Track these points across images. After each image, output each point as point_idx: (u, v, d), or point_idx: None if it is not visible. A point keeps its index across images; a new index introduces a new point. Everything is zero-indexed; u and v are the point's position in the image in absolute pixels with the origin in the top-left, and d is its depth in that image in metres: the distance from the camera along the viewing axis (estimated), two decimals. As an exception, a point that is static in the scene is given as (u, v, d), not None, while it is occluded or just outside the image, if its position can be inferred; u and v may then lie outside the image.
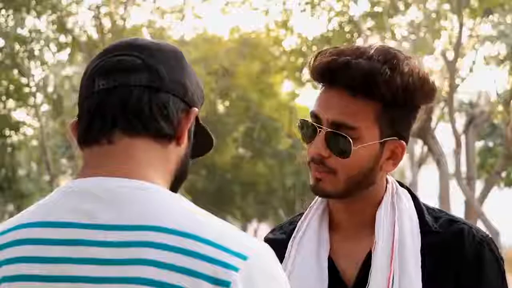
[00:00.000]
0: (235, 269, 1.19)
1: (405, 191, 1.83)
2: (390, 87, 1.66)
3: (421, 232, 1.76)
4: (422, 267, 1.72)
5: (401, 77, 1.67)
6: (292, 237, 1.82)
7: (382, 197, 1.78)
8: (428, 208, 1.82)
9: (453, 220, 1.79)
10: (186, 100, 1.33)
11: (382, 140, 1.71)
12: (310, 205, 1.86)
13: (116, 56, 1.31)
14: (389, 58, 1.68)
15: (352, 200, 1.76)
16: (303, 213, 1.87)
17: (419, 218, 1.78)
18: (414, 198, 1.82)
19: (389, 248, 1.73)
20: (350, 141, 1.68)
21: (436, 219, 1.79)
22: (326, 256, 1.78)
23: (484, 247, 1.75)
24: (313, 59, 1.74)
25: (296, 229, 1.83)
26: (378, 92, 1.67)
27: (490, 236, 1.80)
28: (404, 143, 1.74)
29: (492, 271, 1.76)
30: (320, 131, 1.70)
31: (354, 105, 1.68)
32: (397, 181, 1.85)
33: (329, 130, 1.69)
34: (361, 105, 1.68)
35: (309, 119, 1.74)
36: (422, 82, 1.69)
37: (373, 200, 1.78)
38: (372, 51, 1.69)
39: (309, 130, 1.73)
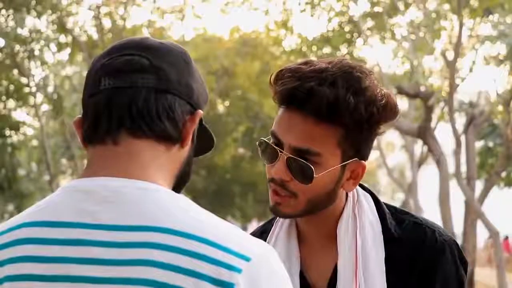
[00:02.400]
0: (238, 270, 1.19)
1: (368, 195, 1.81)
2: (354, 116, 1.65)
3: (384, 240, 1.75)
4: (387, 275, 1.72)
5: (365, 105, 1.66)
6: None
7: (343, 209, 1.77)
8: (392, 211, 1.81)
9: (416, 224, 1.78)
10: (192, 102, 1.33)
11: (343, 163, 1.70)
12: (276, 220, 1.85)
13: (124, 56, 1.31)
14: (352, 83, 1.66)
15: (313, 216, 1.75)
16: (274, 220, 1.87)
17: (382, 225, 1.77)
18: (377, 203, 1.81)
19: (353, 262, 1.72)
20: (312, 168, 1.67)
21: (399, 223, 1.78)
22: (297, 275, 1.77)
23: (444, 250, 1.74)
24: (273, 81, 1.72)
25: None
26: (342, 121, 1.66)
27: (453, 239, 1.78)
28: (365, 162, 1.74)
29: (450, 274, 1.74)
30: (281, 155, 1.69)
31: (317, 131, 1.66)
32: (360, 185, 1.83)
33: (291, 156, 1.68)
34: (324, 130, 1.67)
35: (269, 140, 1.72)
36: (384, 107, 1.69)
37: (334, 213, 1.77)
38: (335, 74, 1.66)
39: (270, 152, 1.72)
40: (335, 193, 1.74)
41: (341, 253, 1.74)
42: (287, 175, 1.69)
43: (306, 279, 1.77)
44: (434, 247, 1.74)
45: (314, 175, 1.67)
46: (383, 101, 1.68)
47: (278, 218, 1.84)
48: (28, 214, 1.29)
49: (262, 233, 1.88)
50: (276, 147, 1.70)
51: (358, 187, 1.81)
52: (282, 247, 1.79)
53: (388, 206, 1.82)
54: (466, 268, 1.78)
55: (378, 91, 1.69)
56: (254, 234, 1.91)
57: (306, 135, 1.67)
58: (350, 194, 1.79)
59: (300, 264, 1.78)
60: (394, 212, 1.81)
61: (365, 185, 1.86)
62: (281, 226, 1.83)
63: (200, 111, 1.35)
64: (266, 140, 1.74)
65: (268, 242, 1.81)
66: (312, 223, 1.78)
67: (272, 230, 1.85)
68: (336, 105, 1.64)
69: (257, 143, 1.76)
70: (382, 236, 1.75)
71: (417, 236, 1.75)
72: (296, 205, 1.71)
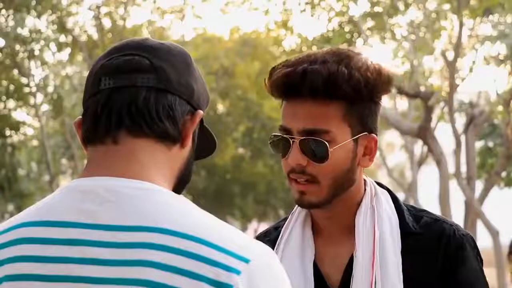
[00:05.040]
0: (237, 272, 1.19)
1: (385, 192, 1.84)
2: (351, 85, 1.69)
3: (401, 233, 1.77)
4: (404, 269, 1.73)
5: (359, 72, 1.69)
6: (277, 244, 1.83)
7: (361, 200, 1.79)
8: (409, 208, 1.83)
9: (434, 219, 1.80)
10: (192, 102, 1.33)
11: (354, 138, 1.73)
12: (292, 211, 1.87)
13: (125, 56, 1.31)
14: (342, 57, 1.71)
15: (332, 206, 1.77)
16: (287, 218, 1.88)
17: (399, 219, 1.79)
18: (394, 199, 1.83)
19: (370, 253, 1.74)
20: (325, 143, 1.69)
21: (417, 219, 1.80)
22: (311, 263, 1.78)
23: (465, 244, 1.77)
24: (268, 78, 1.76)
25: (280, 235, 1.84)
26: (341, 92, 1.69)
27: (470, 235, 1.81)
28: (376, 136, 1.77)
29: (474, 269, 1.77)
30: (293, 141, 1.72)
31: (320, 109, 1.70)
32: (376, 182, 1.86)
33: (302, 138, 1.70)
34: (327, 108, 1.70)
35: (280, 133, 1.75)
36: (378, 72, 1.72)
37: (352, 203, 1.79)
38: (324, 54, 1.72)
39: (282, 144, 1.75)
40: (353, 171, 1.76)
41: (359, 244, 1.75)
42: (303, 159, 1.72)
43: (319, 270, 1.79)
44: (454, 241, 1.76)
45: (329, 150, 1.69)
46: (377, 70, 1.72)
47: (293, 210, 1.86)
48: (28, 213, 1.29)
49: (275, 228, 1.90)
50: (286, 136, 1.73)
51: (376, 184, 1.84)
52: (297, 237, 1.81)
53: (405, 204, 1.85)
54: (482, 265, 1.81)
55: (370, 63, 1.73)
56: (267, 230, 1.93)
57: (310, 116, 1.71)
58: (368, 187, 1.81)
59: (315, 255, 1.80)
60: (412, 210, 1.83)
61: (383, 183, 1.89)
62: (296, 218, 1.85)
63: (201, 111, 1.35)
64: (276, 134, 1.77)
65: (283, 233, 1.84)
66: (329, 215, 1.80)
67: (288, 220, 1.86)
68: (331, 79, 1.68)
69: (269, 141, 1.79)
70: (399, 229, 1.77)
71: (436, 231, 1.78)
72: (319, 191, 1.73)
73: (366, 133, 1.74)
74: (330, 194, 1.74)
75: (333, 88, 1.69)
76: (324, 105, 1.70)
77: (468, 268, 1.76)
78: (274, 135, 1.76)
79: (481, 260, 1.81)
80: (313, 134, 1.70)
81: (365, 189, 1.81)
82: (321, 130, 1.70)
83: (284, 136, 1.74)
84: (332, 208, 1.77)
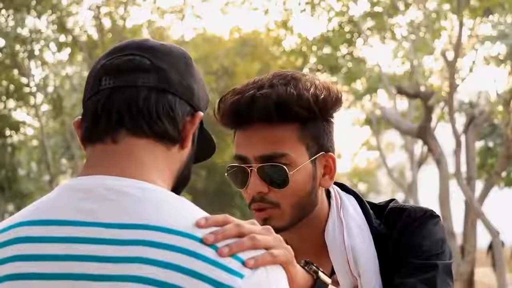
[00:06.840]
0: (240, 275, 1.18)
1: (351, 197, 1.81)
2: (301, 105, 1.67)
3: (373, 238, 1.74)
4: (385, 272, 1.72)
5: (308, 92, 1.67)
6: None
7: (328, 217, 1.76)
8: (376, 209, 1.80)
9: (397, 213, 1.77)
10: (192, 103, 1.32)
11: (312, 158, 1.70)
12: None
13: (125, 56, 1.31)
14: (289, 79, 1.69)
15: (299, 227, 1.74)
16: None
17: (368, 224, 1.76)
18: (361, 203, 1.80)
19: (346, 267, 1.72)
20: (284, 168, 1.67)
21: (382, 218, 1.78)
22: None
23: (425, 218, 1.73)
24: (216, 109, 1.73)
25: None
26: (293, 114, 1.67)
27: (430, 210, 1.77)
28: (333, 154, 1.74)
29: (430, 229, 1.73)
30: (251, 169, 1.69)
31: (274, 133, 1.67)
32: (340, 184, 1.83)
33: (260, 165, 1.68)
34: (280, 130, 1.68)
35: (236, 163, 1.72)
36: (327, 90, 1.70)
37: (319, 223, 1.76)
38: (270, 79, 1.69)
39: (240, 173, 1.72)
40: (315, 193, 1.73)
41: (333, 259, 1.73)
42: (263, 186, 1.69)
43: None
44: (414, 220, 1.73)
45: (288, 174, 1.67)
46: (325, 86, 1.71)
47: None
48: (26, 212, 1.28)
49: None
50: (243, 165, 1.71)
51: (340, 190, 1.82)
52: None
53: (370, 203, 1.82)
54: (443, 236, 1.75)
55: (317, 81, 1.71)
56: None
57: (266, 142, 1.68)
58: (332, 200, 1.79)
59: None
60: (378, 209, 1.80)
61: (348, 185, 1.86)
62: None
63: (201, 113, 1.34)
64: (232, 165, 1.73)
65: None
66: (301, 236, 1.77)
67: None
68: (282, 101, 1.66)
69: (226, 174, 1.75)
70: (370, 235, 1.75)
71: (399, 223, 1.74)
72: (282, 215, 1.70)
73: (323, 152, 1.72)
74: (293, 218, 1.71)
75: (285, 110, 1.66)
76: (278, 128, 1.67)
77: (420, 234, 1.72)
78: (231, 166, 1.73)
79: (442, 231, 1.75)
80: (271, 159, 1.67)
81: (329, 204, 1.78)
82: (279, 155, 1.67)
83: (241, 165, 1.71)
84: (300, 231, 1.74)
